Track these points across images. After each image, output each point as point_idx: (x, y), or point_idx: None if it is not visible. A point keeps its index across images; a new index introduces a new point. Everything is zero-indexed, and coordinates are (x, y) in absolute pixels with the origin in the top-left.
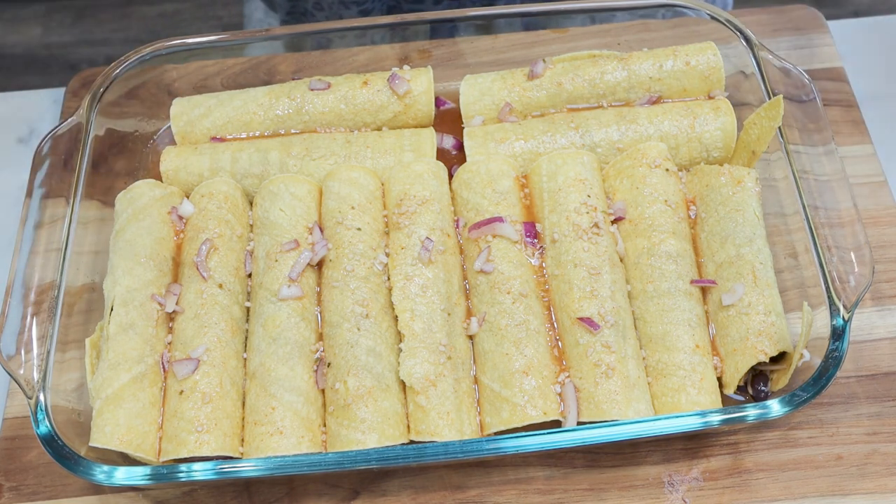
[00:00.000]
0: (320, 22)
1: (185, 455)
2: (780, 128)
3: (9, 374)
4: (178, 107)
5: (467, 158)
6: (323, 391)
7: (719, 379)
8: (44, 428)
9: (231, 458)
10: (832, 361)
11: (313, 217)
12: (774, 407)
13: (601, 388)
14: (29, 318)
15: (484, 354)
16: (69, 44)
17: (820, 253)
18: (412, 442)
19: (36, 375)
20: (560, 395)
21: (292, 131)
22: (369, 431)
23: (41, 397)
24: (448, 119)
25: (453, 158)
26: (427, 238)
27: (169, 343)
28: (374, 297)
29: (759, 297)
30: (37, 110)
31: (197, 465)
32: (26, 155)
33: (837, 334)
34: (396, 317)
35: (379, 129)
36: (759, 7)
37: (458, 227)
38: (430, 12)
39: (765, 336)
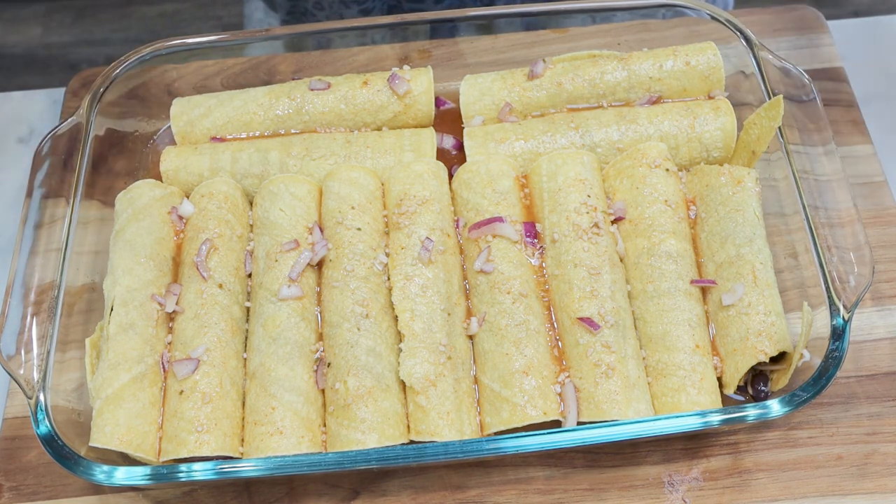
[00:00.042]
0: (321, 22)
1: (185, 455)
2: (780, 128)
3: (9, 374)
4: (178, 107)
5: (467, 158)
6: (323, 391)
7: (719, 379)
8: (44, 428)
9: (231, 458)
10: (832, 361)
11: (313, 217)
12: (774, 407)
13: (601, 388)
14: (29, 318)
15: (484, 354)
16: (69, 44)
17: (820, 253)
18: (412, 442)
19: (36, 375)
20: (560, 395)
21: (292, 131)
22: (369, 431)
23: (41, 397)
24: (448, 119)
25: (453, 158)
26: (427, 238)
27: (169, 343)
28: (374, 297)
29: (759, 297)
30: (37, 110)
31: (197, 465)
32: (26, 155)
33: (837, 334)
34: (396, 317)
35: (379, 129)
36: (759, 7)
37: (458, 227)
38: (430, 12)
39: (765, 336)
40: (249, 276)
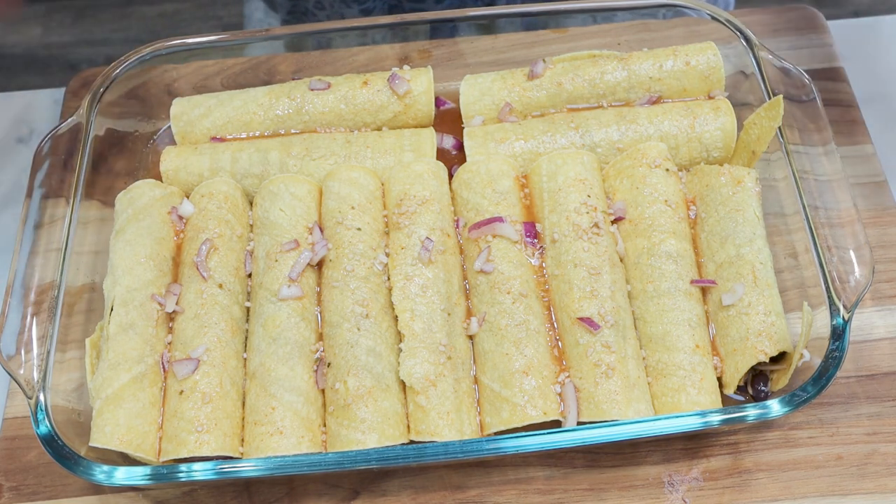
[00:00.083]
0: (321, 21)
1: (185, 455)
2: (780, 128)
3: (9, 374)
4: (178, 107)
5: (467, 158)
6: (323, 391)
7: (719, 379)
8: (44, 428)
9: (231, 458)
10: (832, 361)
11: (313, 217)
12: (774, 407)
13: (601, 388)
14: (29, 318)
15: (484, 354)
16: (69, 44)
17: (820, 253)
18: (412, 442)
19: (36, 375)
20: (560, 395)
21: (292, 131)
22: (369, 431)
23: (41, 397)
24: (448, 119)
25: (453, 158)
26: (427, 238)
27: (169, 343)
28: (374, 297)
29: (759, 297)
30: (37, 110)
31: (197, 465)
32: (26, 155)
33: (837, 334)
34: (396, 317)
35: (379, 129)
36: (759, 7)
37: (458, 227)
38: (430, 12)
39: (765, 336)
40: (249, 276)
